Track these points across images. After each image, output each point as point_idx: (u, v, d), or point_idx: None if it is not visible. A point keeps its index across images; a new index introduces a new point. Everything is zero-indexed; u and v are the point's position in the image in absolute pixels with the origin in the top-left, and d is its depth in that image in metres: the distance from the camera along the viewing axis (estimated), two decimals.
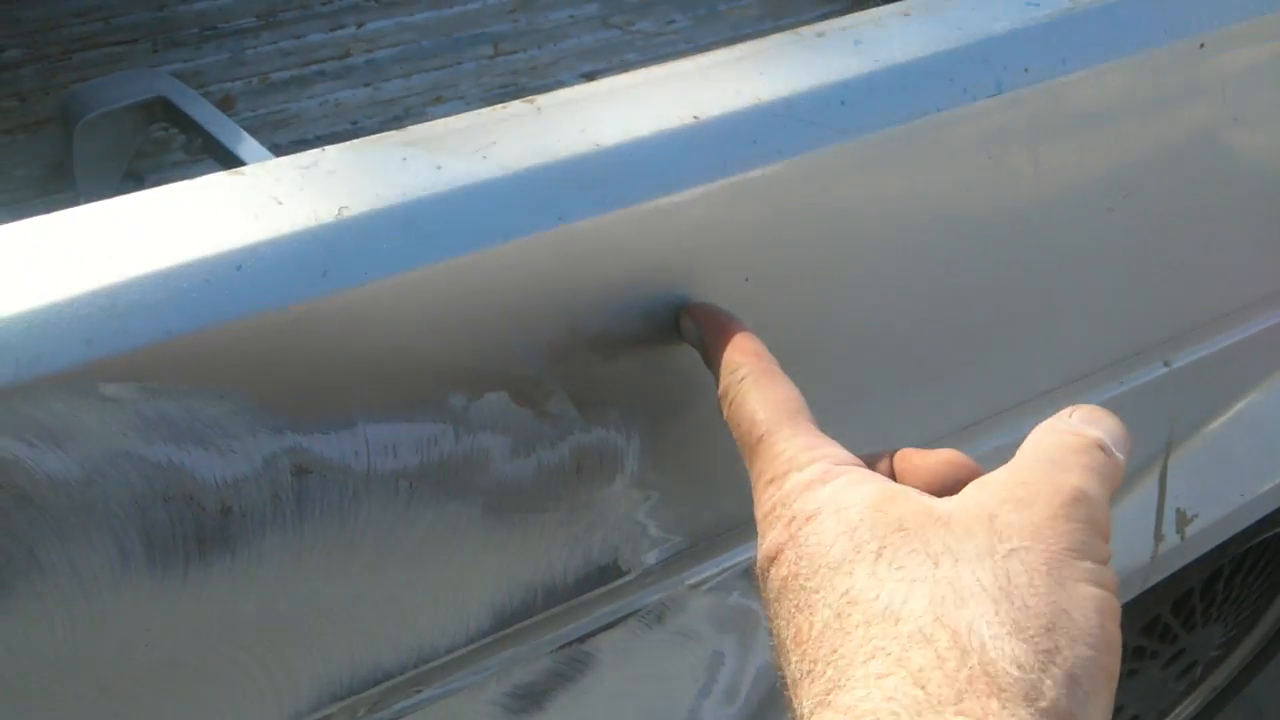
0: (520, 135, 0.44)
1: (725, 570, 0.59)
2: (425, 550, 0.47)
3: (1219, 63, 0.59)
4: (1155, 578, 0.84)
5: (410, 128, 0.45)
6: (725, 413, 0.42)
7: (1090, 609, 0.32)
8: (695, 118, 0.46)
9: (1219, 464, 0.80)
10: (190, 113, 0.79)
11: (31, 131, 0.90)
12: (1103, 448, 0.37)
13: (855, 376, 0.57)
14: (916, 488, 0.37)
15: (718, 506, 0.56)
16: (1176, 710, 1.51)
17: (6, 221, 0.38)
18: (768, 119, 0.47)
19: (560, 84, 1.01)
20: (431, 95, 0.99)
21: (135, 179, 0.88)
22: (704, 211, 0.46)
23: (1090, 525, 0.34)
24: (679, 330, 0.46)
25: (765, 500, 0.38)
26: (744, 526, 0.58)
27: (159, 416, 0.37)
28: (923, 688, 0.29)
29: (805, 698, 0.31)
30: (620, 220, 0.44)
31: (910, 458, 0.41)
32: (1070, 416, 0.38)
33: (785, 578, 0.34)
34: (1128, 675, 1.18)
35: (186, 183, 0.41)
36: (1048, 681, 0.29)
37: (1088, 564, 0.33)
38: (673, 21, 1.08)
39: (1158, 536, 0.81)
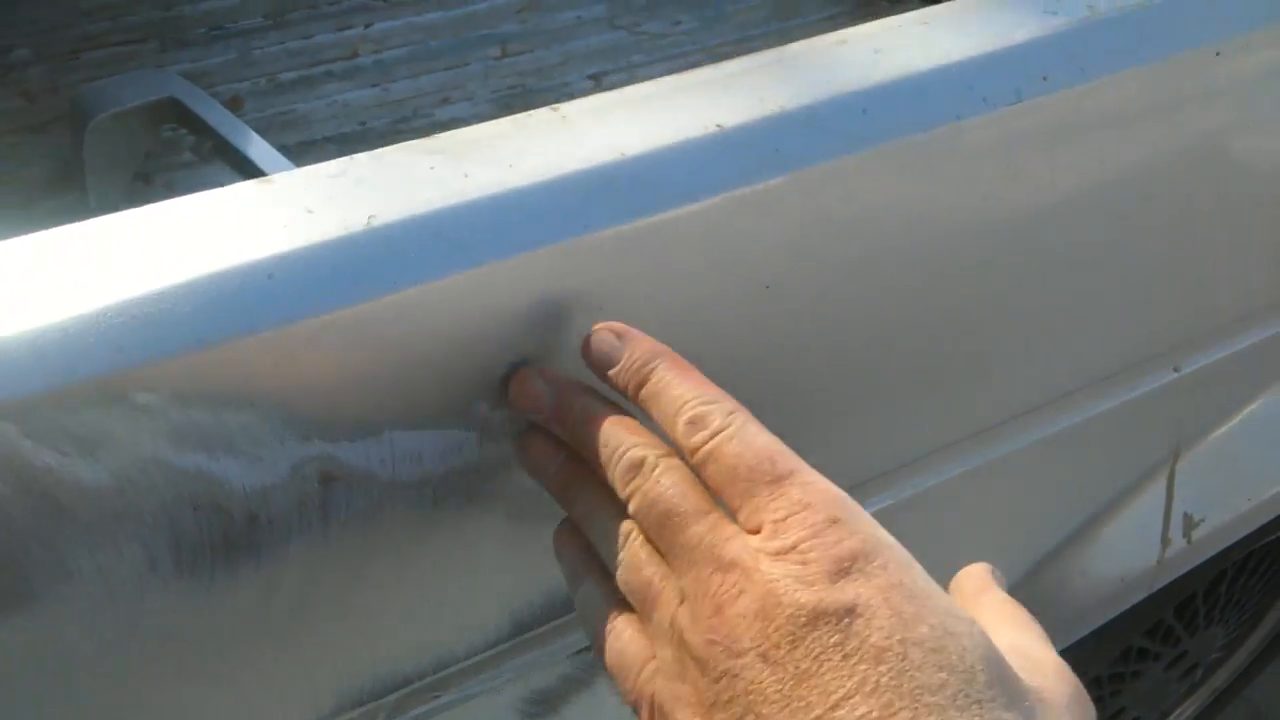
0: (547, 144, 0.45)
1: None
2: (447, 557, 0.47)
3: (1235, 70, 0.59)
4: (1161, 581, 0.84)
5: (436, 136, 0.45)
6: (711, 446, 0.36)
7: None
8: (719, 126, 0.46)
9: (1226, 469, 0.81)
10: (201, 114, 0.79)
11: (39, 131, 0.90)
12: None
13: (874, 382, 0.57)
14: None
15: None
16: (1177, 711, 1.52)
17: (16, 222, 0.38)
18: (790, 127, 0.48)
19: (567, 85, 1.01)
20: (439, 96, 0.98)
21: (143, 180, 0.88)
22: (727, 220, 0.46)
23: None
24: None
25: (824, 535, 0.33)
26: None
27: (190, 425, 0.37)
28: None
29: None
30: (645, 229, 0.44)
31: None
32: None
33: (891, 650, 0.30)
34: (1131, 677, 1.18)
35: (216, 191, 0.41)
36: None
37: None
38: (679, 23, 1.08)
39: (1165, 541, 0.81)
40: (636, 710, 0.36)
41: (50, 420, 0.35)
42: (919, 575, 0.33)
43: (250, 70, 0.99)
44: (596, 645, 0.39)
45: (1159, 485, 0.80)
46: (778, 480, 0.34)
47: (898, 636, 0.30)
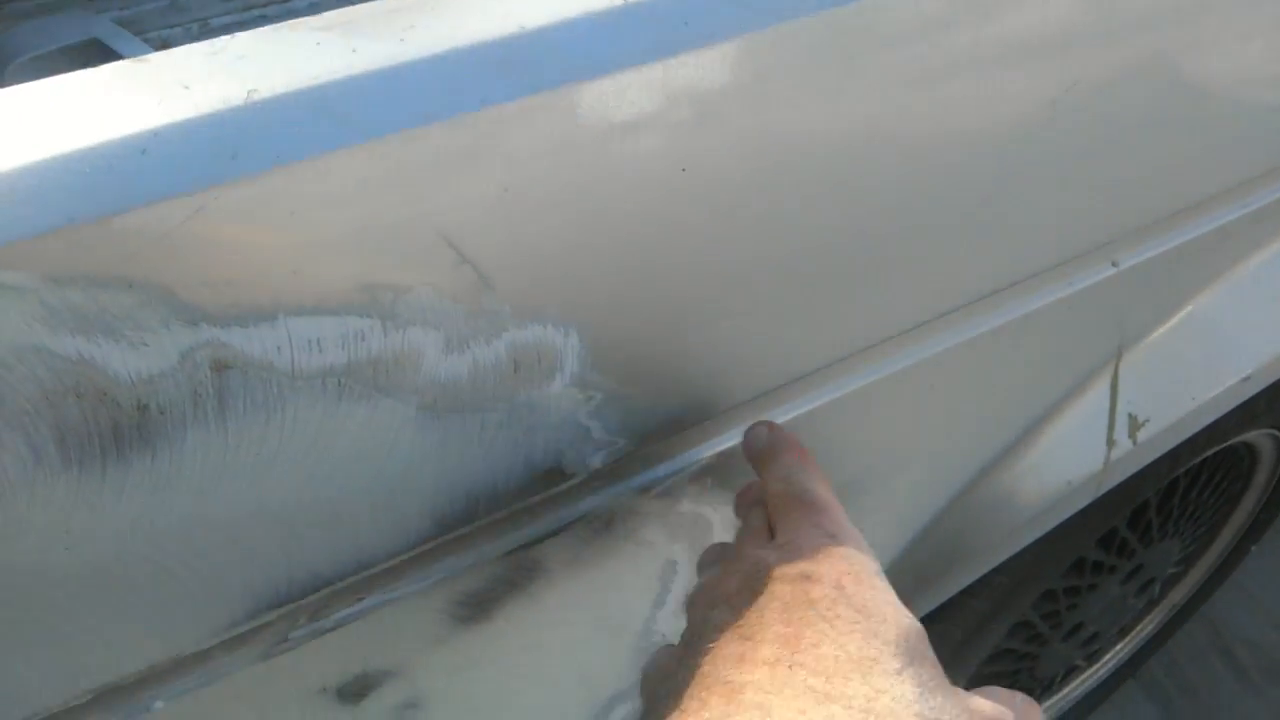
0: (442, 18, 0.43)
1: (674, 475, 0.59)
2: (358, 452, 0.46)
3: None
4: (1108, 483, 0.84)
5: (326, 13, 0.43)
6: (781, 486, 0.51)
7: None
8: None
9: (1170, 368, 0.81)
10: (125, 56, 0.77)
11: None
12: None
13: (797, 275, 0.56)
14: None
15: (664, 409, 0.56)
16: (1137, 628, 1.54)
17: None
18: (699, 0, 0.46)
19: None
20: None
21: None
22: (634, 95, 0.45)
23: None
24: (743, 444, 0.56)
25: (815, 539, 0.45)
26: (692, 430, 0.58)
27: (65, 307, 0.36)
28: None
29: (770, 672, 0.38)
30: (545, 103, 0.42)
31: None
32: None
33: (812, 600, 0.41)
34: (1087, 590, 1.19)
35: (89, 71, 0.39)
36: None
37: None
38: None
39: (1110, 442, 0.81)
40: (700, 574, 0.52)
41: None
42: (879, 579, 0.44)
43: (181, 16, 0.96)
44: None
45: (1103, 386, 0.80)
46: (806, 510, 0.48)
47: (833, 596, 0.41)
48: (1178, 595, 1.51)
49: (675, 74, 0.45)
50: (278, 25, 0.42)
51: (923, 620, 0.97)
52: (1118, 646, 1.53)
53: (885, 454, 0.71)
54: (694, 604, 0.47)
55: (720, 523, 0.64)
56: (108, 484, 0.40)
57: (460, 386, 0.47)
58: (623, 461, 0.56)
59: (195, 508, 0.43)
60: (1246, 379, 0.83)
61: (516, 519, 0.54)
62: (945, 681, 0.40)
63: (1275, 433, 1.21)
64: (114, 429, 0.39)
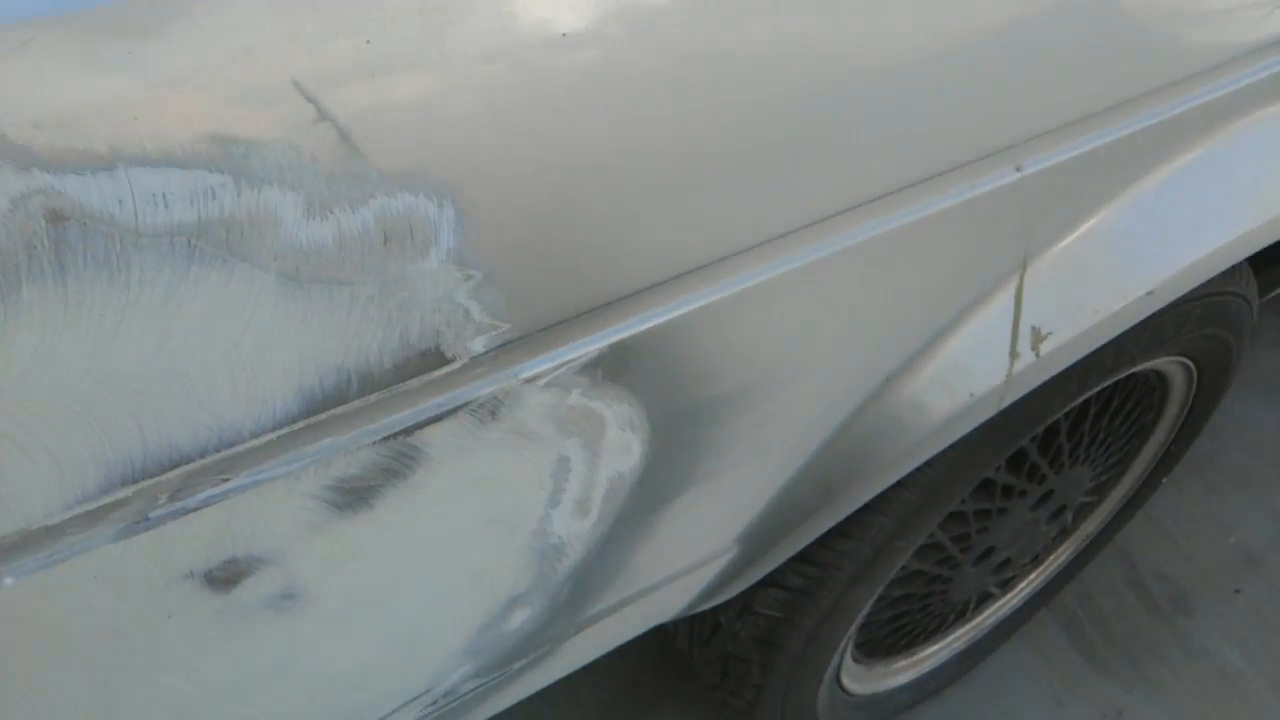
0: None
1: (562, 365, 0.57)
2: (214, 319, 0.44)
3: None
4: (1011, 396, 0.84)
5: None
6: None
7: None
8: None
9: (1074, 281, 0.81)
10: None
11: None
12: None
13: (684, 162, 0.54)
14: None
15: (550, 295, 0.54)
16: (1051, 557, 1.56)
17: None
18: None
19: None
20: None
21: None
22: None
23: None
24: None
25: None
26: (581, 319, 0.56)
27: None
28: None
29: None
30: None
31: None
32: None
33: None
34: (998, 514, 1.21)
35: None
36: None
37: None
38: None
39: (1013, 354, 0.82)
40: None
41: None
42: None
43: None
44: None
45: (1008, 297, 0.79)
46: None
47: None
48: (1091, 526, 1.54)
49: None
50: None
51: (831, 536, 0.98)
52: (1031, 575, 1.55)
53: (788, 358, 0.70)
54: None
55: (614, 419, 0.63)
56: None
57: (325, 255, 0.45)
58: (507, 348, 0.54)
59: (35, 367, 0.41)
60: (1150, 294, 0.83)
61: (393, 402, 0.52)
62: None
63: (1185, 361, 1.23)
64: None
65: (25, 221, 0.37)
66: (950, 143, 0.66)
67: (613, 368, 0.60)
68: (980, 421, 0.86)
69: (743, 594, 1.07)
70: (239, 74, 0.39)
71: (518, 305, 0.53)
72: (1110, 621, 1.74)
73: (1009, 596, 1.55)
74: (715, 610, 1.13)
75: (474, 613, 0.70)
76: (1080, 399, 1.05)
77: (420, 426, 0.54)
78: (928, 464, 0.93)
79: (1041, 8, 0.64)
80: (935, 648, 1.50)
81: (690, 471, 0.74)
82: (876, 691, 1.42)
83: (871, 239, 0.66)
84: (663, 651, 1.63)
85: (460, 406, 0.55)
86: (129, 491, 0.46)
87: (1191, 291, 1.02)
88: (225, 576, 0.52)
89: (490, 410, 0.56)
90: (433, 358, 0.52)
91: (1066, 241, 0.79)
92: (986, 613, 1.54)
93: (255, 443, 0.48)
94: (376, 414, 0.52)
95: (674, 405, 0.66)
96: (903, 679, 1.46)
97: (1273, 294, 1.48)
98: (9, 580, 0.45)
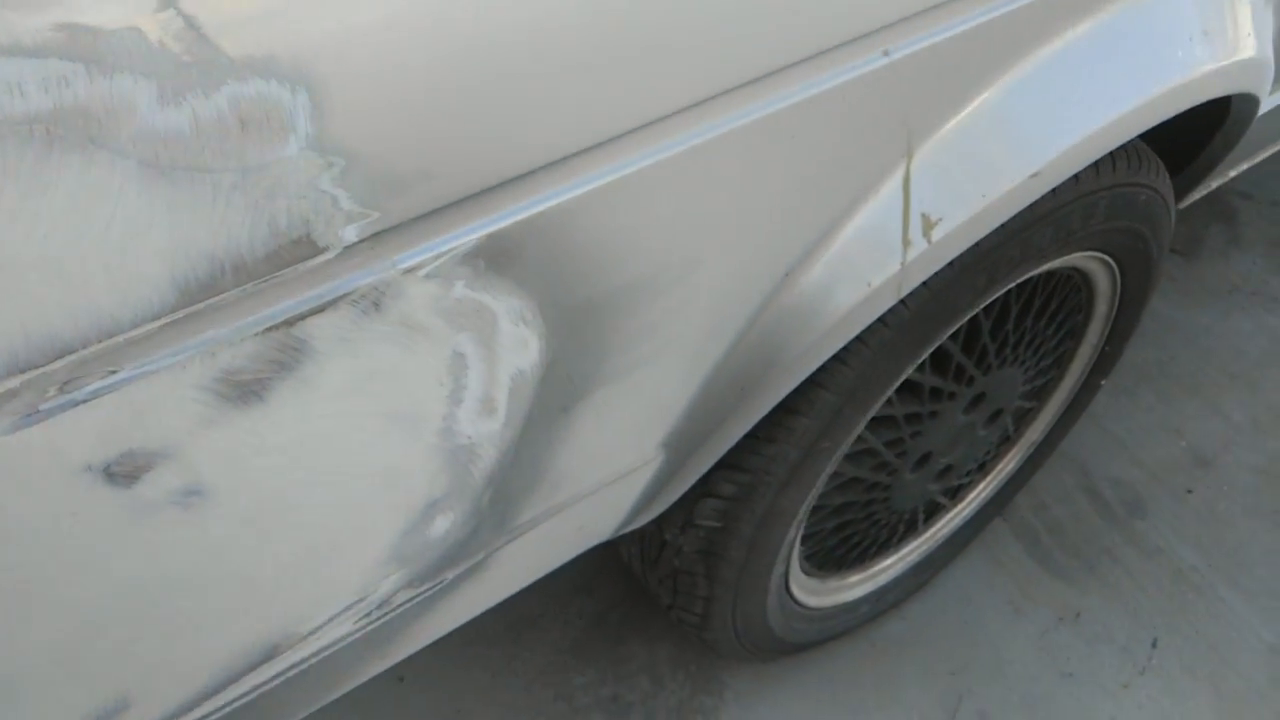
0: None
1: (442, 255, 0.60)
2: (80, 205, 0.46)
3: None
4: (909, 285, 0.87)
5: None
6: None
7: None
8: None
9: (960, 165, 0.83)
10: None
11: None
12: None
13: (567, 30, 0.57)
14: None
15: (422, 184, 0.57)
16: (998, 465, 1.60)
17: None
18: None
19: None
20: None
21: None
22: None
23: None
24: None
25: None
26: (456, 207, 0.58)
27: None
28: None
29: None
30: None
31: None
32: None
33: None
34: (930, 418, 1.24)
35: None
36: None
37: None
38: None
39: (905, 242, 0.84)
40: None
41: None
42: None
43: None
44: None
45: (895, 184, 0.82)
46: None
47: None
48: (1034, 433, 1.58)
49: None
50: None
51: (754, 439, 1.00)
52: (980, 485, 1.59)
53: (679, 248, 0.73)
54: None
55: (505, 314, 0.66)
56: None
57: (183, 142, 0.48)
58: (381, 237, 0.57)
59: None
60: (1035, 175, 0.86)
61: (271, 292, 0.54)
62: None
63: (1104, 258, 1.26)
64: None
65: None
66: (817, 27, 0.68)
67: (494, 258, 0.62)
68: (882, 312, 0.88)
69: (683, 508, 1.10)
70: None
71: (388, 193, 0.55)
72: (1065, 528, 1.78)
73: (960, 507, 1.59)
74: (660, 528, 1.16)
75: (392, 516, 0.72)
76: (994, 294, 1.08)
77: (302, 318, 0.56)
78: (843, 362, 0.96)
79: None
80: (889, 561, 1.53)
81: (596, 370, 0.76)
82: (833, 604, 1.46)
83: (747, 124, 0.69)
84: (631, 590, 1.67)
85: (340, 297, 0.57)
86: (16, 382, 0.48)
87: (1096, 181, 1.05)
88: (125, 471, 0.55)
89: (373, 301, 0.58)
90: (305, 246, 0.54)
91: (950, 125, 0.82)
92: (938, 524, 1.58)
93: (136, 333, 0.51)
94: (256, 305, 0.54)
95: (566, 299, 0.68)
96: (859, 592, 1.50)
97: (1196, 195, 1.52)
98: None
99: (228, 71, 0.47)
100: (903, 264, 0.85)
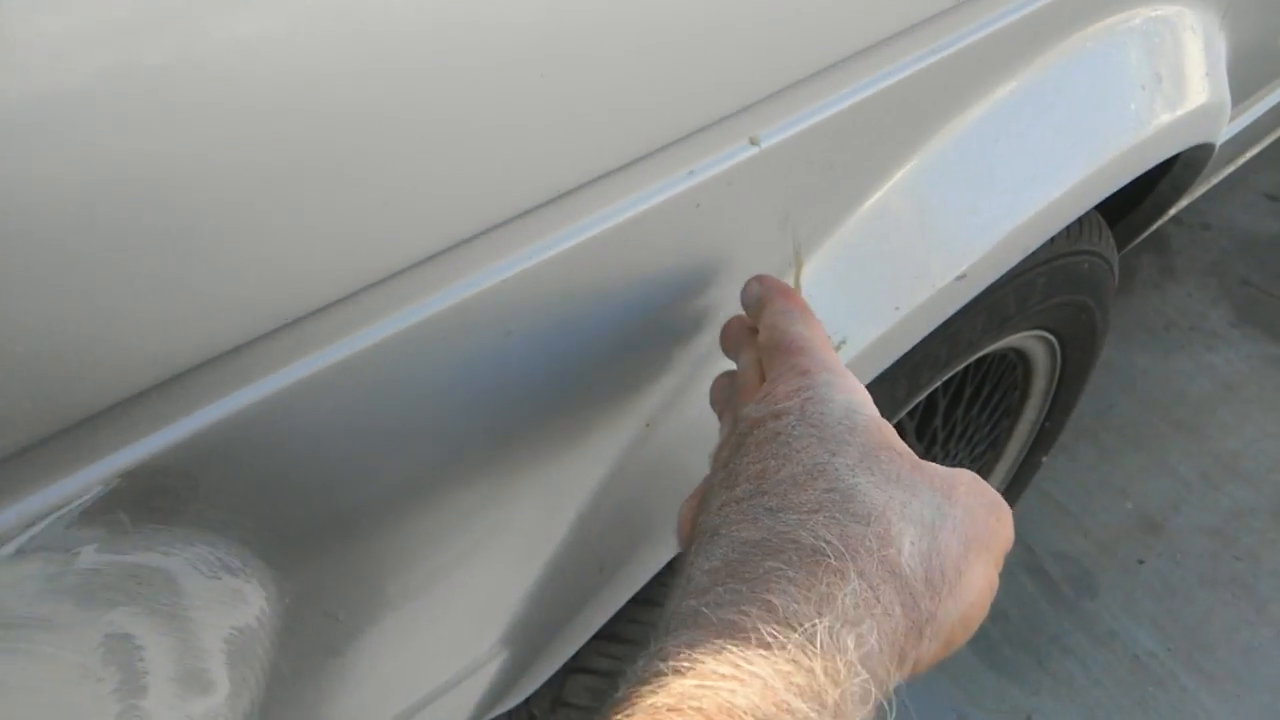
0: None
1: (39, 521, 0.37)
2: None
3: None
4: None
5: None
6: (766, 334, 0.51)
7: (978, 584, 0.42)
8: None
9: (861, 274, 0.63)
10: None
11: None
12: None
13: None
14: None
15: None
16: None
17: None
18: None
19: None
20: None
21: None
22: None
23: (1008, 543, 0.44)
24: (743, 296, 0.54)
25: (790, 382, 0.47)
26: (50, 446, 0.36)
27: None
28: (844, 541, 0.39)
29: (737, 508, 0.42)
30: None
31: None
32: None
33: (778, 431, 0.44)
34: None
35: None
36: (925, 598, 0.39)
37: (996, 562, 0.43)
38: None
39: None
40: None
41: None
42: (836, 392, 0.46)
43: None
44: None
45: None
46: (785, 353, 0.49)
47: (795, 421, 0.44)
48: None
49: None
50: None
51: (633, 604, 0.79)
52: None
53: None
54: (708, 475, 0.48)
55: (189, 568, 0.43)
56: None
57: None
58: None
59: None
60: (962, 277, 0.66)
61: None
62: (908, 466, 0.42)
63: (1043, 334, 1.07)
64: None
65: None
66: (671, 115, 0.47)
67: (143, 501, 0.40)
68: None
69: (551, 686, 0.89)
70: None
71: None
72: (1009, 615, 1.60)
73: None
74: (528, 702, 0.94)
75: None
76: (916, 400, 0.89)
77: None
78: None
79: None
80: None
81: (378, 593, 0.55)
82: None
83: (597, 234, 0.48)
84: None
85: None
86: None
87: (1032, 258, 0.86)
88: None
89: None
90: None
91: (846, 227, 0.62)
92: None
93: None
94: None
95: (289, 527, 0.46)
96: None
97: (1134, 243, 1.34)
98: None
99: None
100: None
